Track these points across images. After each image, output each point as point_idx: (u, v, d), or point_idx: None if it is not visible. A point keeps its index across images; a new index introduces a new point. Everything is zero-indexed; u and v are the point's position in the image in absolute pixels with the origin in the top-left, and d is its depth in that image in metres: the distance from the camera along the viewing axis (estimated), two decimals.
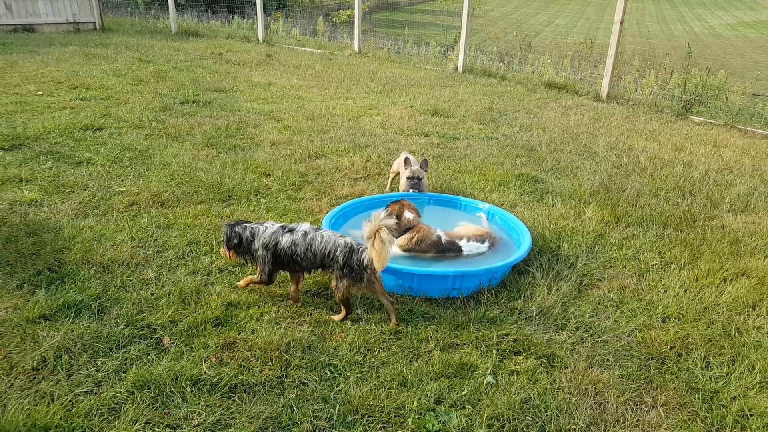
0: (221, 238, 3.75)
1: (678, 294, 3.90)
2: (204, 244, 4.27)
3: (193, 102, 8.38)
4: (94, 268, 3.86)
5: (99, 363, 2.99)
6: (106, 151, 6.12)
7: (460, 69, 12.02)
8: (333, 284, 3.43)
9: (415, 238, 4.17)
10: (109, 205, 4.84)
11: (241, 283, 3.71)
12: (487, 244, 4.27)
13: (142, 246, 4.20)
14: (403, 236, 4.20)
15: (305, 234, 3.44)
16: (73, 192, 5.08)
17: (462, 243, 4.23)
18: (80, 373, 2.91)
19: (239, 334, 3.28)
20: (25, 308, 3.38)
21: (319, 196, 5.27)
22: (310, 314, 3.51)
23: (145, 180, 5.40)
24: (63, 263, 3.88)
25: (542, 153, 6.87)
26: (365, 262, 3.28)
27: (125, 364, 2.99)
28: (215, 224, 4.57)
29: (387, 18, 26.08)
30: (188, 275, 3.83)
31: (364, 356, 3.16)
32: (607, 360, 3.23)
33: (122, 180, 5.41)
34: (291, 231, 3.49)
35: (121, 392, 2.78)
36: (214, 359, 3.06)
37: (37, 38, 14.24)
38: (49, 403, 2.70)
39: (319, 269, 3.51)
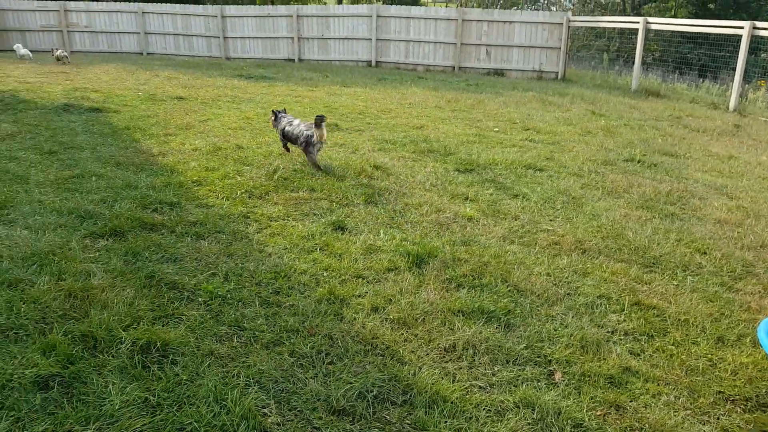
0: None
1: None
2: (615, 302, 4.18)
3: (638, 161, 8.24)
4: (509, 288, 4.25)
5: (495, 369, 3.29)
6: (541, 191, 6.63)
7: None
8: None
9: None
10: (533, 239, 5.24)
11: None
12: None
13: (556, 284, 4.40)
14: None
15: None
16: (505, 219, 5.69)
17: None
18: (479, 370, 3.26)
19: (631, 401, 3.09)
20: (448, 300, 4.00)
21: (763, 294, 4.47)
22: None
23: (572, 225, 5.63)
24: (484, 274, 4.41)
25: None
26: None
27: (517, 380, 3.20)
28: (632, 286, 4.42)
29: None
30: (592, 326, 3.82)
31: None
32: None
33: (550, 220, 5.77)
34: None
35: (508, 401, 3.00)
36: (600, 413, 2.97)
37: (504, 82, 16.46)
38: (452, 381, 3.14)
39: None
